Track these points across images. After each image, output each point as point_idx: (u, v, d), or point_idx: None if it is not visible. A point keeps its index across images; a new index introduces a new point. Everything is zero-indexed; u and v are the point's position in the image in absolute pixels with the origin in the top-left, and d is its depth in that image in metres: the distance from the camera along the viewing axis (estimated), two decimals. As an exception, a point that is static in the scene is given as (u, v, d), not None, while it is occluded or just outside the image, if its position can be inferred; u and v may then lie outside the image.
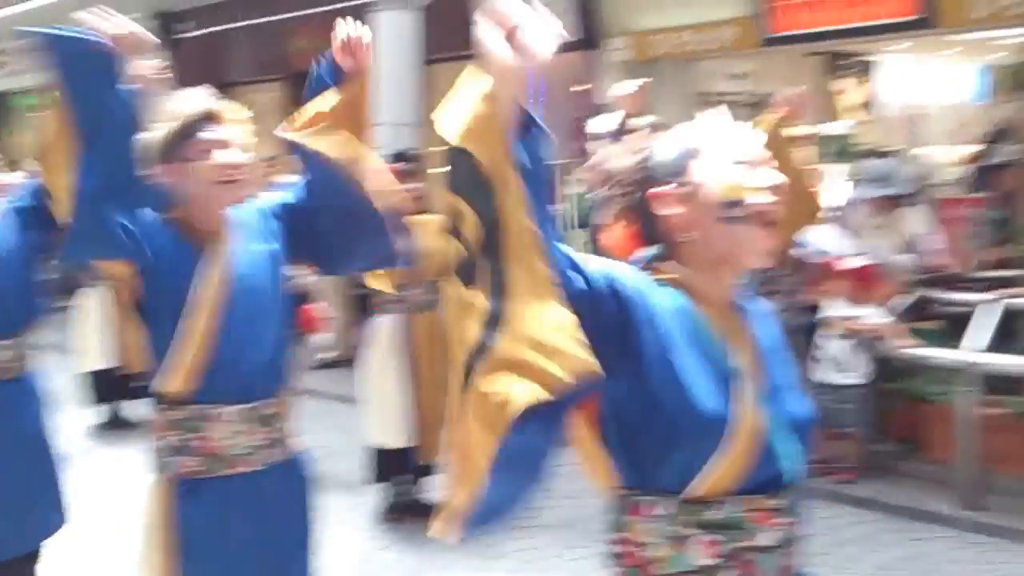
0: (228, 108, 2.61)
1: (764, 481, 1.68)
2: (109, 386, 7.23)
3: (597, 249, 4.12)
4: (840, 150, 11.16)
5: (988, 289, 5.91)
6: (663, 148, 1.81)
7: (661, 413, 1.65)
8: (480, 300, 1.55)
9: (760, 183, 1.70)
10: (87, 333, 7.33)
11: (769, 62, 12.51)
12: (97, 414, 7.52)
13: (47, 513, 3.63)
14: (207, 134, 2.50)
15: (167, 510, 2.49)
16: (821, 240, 5.95)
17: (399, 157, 7.67)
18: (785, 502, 1.71)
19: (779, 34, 9.30)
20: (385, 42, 9.87)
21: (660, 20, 10.31)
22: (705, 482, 1.64)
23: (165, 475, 2.52)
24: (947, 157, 12.76)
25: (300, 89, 12.38)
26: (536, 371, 1.49)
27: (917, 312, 6.36)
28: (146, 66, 3.28)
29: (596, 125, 4.21)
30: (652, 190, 1.77)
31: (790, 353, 1.85)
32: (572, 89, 11.68)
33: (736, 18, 9.68)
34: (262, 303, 2.54)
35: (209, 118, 2.53)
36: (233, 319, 2.47)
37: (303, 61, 14.61)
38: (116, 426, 7.47)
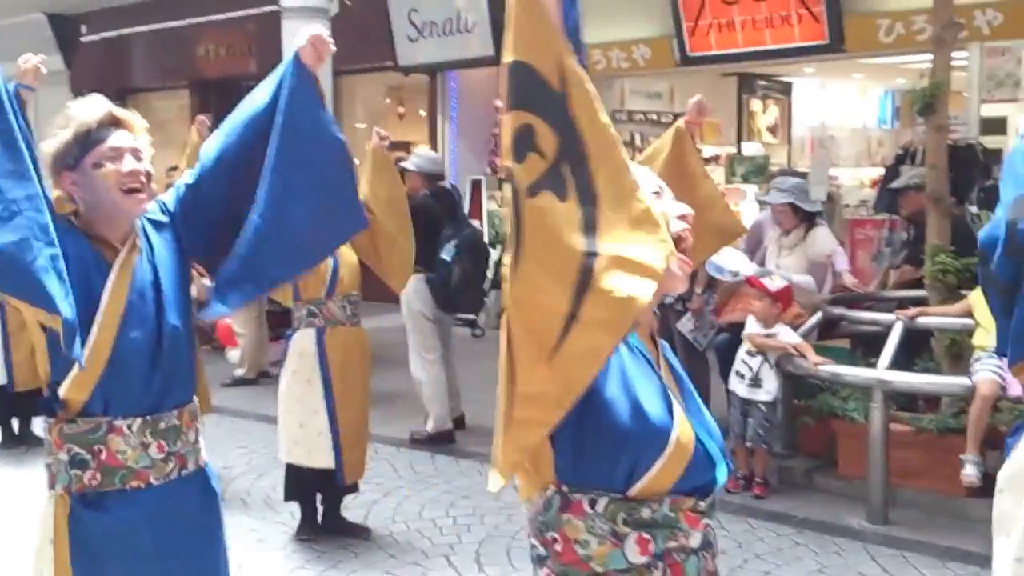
0: (130, 115, 2.51)
1: (697, 486, 1.78)
2: (5, 403, 7.04)
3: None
4: (753, 170, 11.37)
5: (895, 308, 6.05)
6: None
7: (615, 420, 1.72)
8: (573, 210, 1.58)
9: (672, 211, 1.78)
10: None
11: (686, 81, 12.72)
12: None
13: None
14: (111, 141, 2.41)
15: (63, 525, 2.38)
16: (730, 260, 6.04)
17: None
18: (710, 506, 1.82)
19: (695, 54, 9.44)
20: (294, 50, 9.75)
21: (577, 38, 10.39)
22: (646, 483, 1.73)
23: (61, 489, 2.41)
24: (854, 179, 13.12)
25: (206, 96, 12.24)
26: (640, 266, 1.56)
27: (825, 330, 6.49)
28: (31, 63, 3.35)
29: None
30: None
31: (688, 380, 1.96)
32: (490, 104, 11.73)
33: (653, 37, 9.81)
34: (166, 316, 2.46)
35: (113, 124, 2.44)
36: (134, 330, 2.39)
37: (209, 68, 14.52)
38: (13, 443, 7.22)
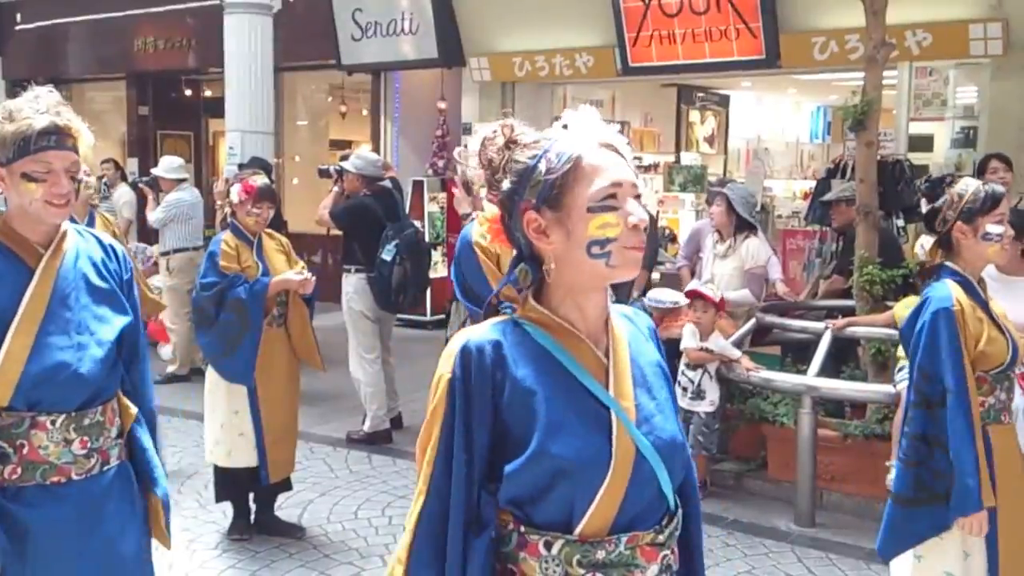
0: (77, 127, 2.46)
1: (645, 510, 1.71)
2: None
3: (458, 267, 4.20)
4: (690, 179, 11.55)
5: (824, 317, 6.22)
6: (543, 160, 1.72)
7: (549, 460, 1.65)
8: None
9: (628, 219, 1.69)
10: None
11: (627, 91, 12.88)
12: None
13: None
14: (48, 156, 2.38)
15: None
16: (666, 294, 6.21)
17: (252, 164, 7.60)
18: (666, 534, 1.74)
19: (636, 64, 9.57)
20: (236, 46, 9.68)
21: (520, 44, 10.47)
22: (591, 519, 1.67)
23: None
24: (787, 191, 13.40)
25: (143, 88, 12.08)
26: None
27: (758, 337, 6.64)
28: None
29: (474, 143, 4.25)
30: (526, 212, 1.72)
31: (661, 375, 1.84)
32: (432, 106, 11.76)
33: (595, 47, 9.92)
34: (85, 316, 2.49)
35: (56, 133, 2.40)
36: (54, 334, 2.42)
37: (147, 60, 14.30)
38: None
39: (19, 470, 2.39)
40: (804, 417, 5.44)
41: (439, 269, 10.31)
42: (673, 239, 10.17)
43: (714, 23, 8.99)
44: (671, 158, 13.19)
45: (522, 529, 1.70)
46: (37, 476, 2.40)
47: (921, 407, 3.22)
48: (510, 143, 1.75)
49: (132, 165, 13.78)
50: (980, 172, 6.47)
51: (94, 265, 2.55)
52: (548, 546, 1.68)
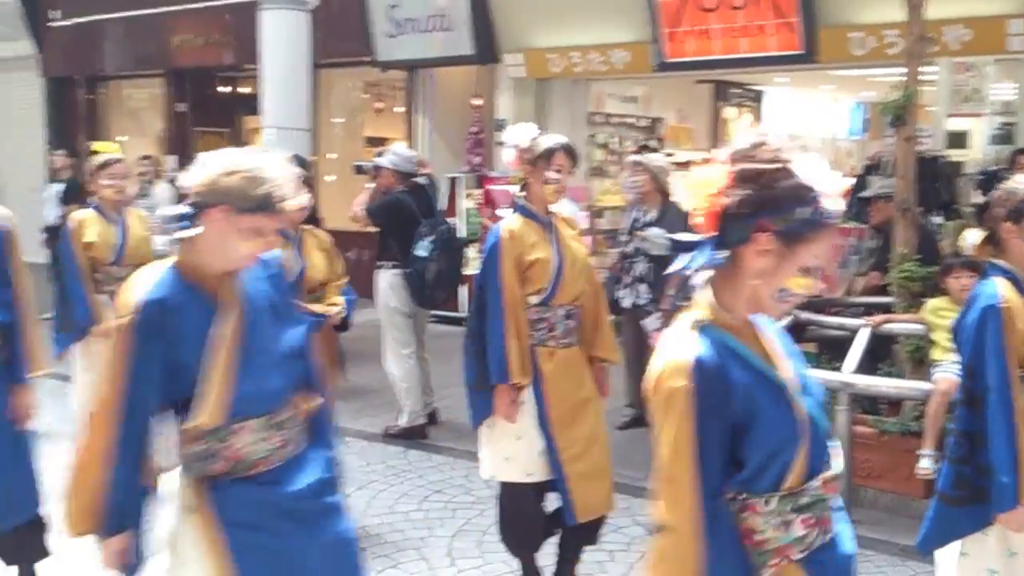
0: (292, 203, 2.67)
1: (823, 458, 2.11)
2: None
3: (482, 256, 4.22)
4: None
5: (863, 314, 6.18)
6: (804, 205, 1.95)
7: (766, 445, 2.02)
8: None
9: (812, 289, 2.04)
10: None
11: (662, 87, 12.84)
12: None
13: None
14: (264, 221, 2.58)
15: (202, 501, 2.68)
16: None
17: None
18: (836, 471, 2.15)
19: (672, 60, 9.55)
20: (273, 43, 9.72)
21: (555, 39, 10.47)
22: (793, 475, 2.05)
23: (193, 477, 2.70)
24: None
25: (180, 85, 12.15)
26: None
27: (794, 334, 6.61)
28: None
29: (509, 136, 4.28)
30: (762, 235, 1.96)
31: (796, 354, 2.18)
32: (466, 103, 11.78)
33: (631, 42, 9.90)
34: (269, 331, 2.73)
35: (272, 206, 2.59)
36: (248, 352, 2.65)
37: (184, 56, 14.34)
38: None
39: (226, 467, 2.68)
40: (840, 414, 5.42)
41: (474, 266, 10.32)
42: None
43: (752, 18, 8.95)
44: (706, 155, 13.14)
45: (742, 497, 2.05)
46: (241, 470, 2.69)
47: (967, 404, 3.21)
48: (778, 162, 1.97)
49: (170, 162, 13.83)
50: (1011, 166, 6.40)
51: (262, 280, 2.76)
52: (767, 503, 2.05)
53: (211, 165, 2.57)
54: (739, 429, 1.99)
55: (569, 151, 4.10)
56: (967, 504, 3.17)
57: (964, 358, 3.23)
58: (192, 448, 2.68)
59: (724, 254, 1.99)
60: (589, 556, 4.50)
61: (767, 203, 1.94)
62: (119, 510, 2.62)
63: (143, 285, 2.59)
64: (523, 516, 4.26)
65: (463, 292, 9.67)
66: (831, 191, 1.97)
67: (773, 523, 2.06)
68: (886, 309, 6.05)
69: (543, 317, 4.09)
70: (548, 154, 4.05)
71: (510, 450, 4.11)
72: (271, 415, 2.72)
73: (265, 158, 2.62)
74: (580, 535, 4.27)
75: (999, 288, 3.16)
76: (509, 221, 4.12)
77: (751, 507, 2.05)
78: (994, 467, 3.08)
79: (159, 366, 2.58)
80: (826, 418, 2.15)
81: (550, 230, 4.13)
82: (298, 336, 2.83)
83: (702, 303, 2.04)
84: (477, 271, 4.19)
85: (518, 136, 4.17)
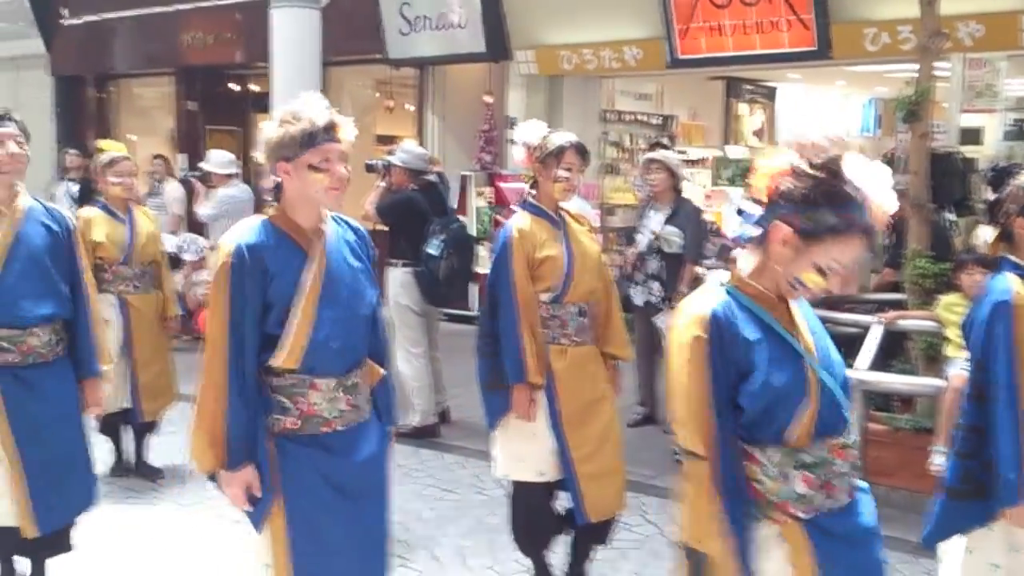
0: (344, 123, 2.85)
1: (834, 424, 2.28)
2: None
3: (493, 255, 4.21)
4: (738, 173, 11.45)
5: (876, 311, 6.15)
6: (827, 212, 2.17)
7: (763, 394, 2.23)
8: None
9: (826, 287, 2.23)
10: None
11: (674, 84, 12.80)
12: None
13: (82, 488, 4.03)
14: (327, 148, 2.78)
15: (273, 456, 2.87)
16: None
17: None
18: (850, 439, 2.32)
19: (685, 56, 9.52)
20: (283, 41, 9.71)
21: (567, 36, 10.44)
22: (797, 432, 2.24)
23: (271, 429, 2.89)
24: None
25: (191, 83, 12.19)
26: None
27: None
28: None
29: (520, 134, 4.28)
30: (782, 229, 2.21)
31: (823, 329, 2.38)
32: (478, 100, 11.76)
33: (643, 39, 9.87)
34: (354, 294, 2.94)
35: (329, 129, 2.80)
36: (328, 308, 2.85)
37: (194, 55, 14.33)
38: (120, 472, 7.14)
39: (299, 422, 2.88)
40: (853, 411, 5.38)
41: (485, 264, 10.31)
42: (719, 233, 10.09)
43: (765, 15, 8.91)
44: (718, 152, 13.10)
45: (742, 444, 2.26)
46: (311, 427, 2.88)
47: (974, 399, 3.20)
48: (831, 169, 2.18)
49: (181, 161, 13.84)
50: (1025, 162, 6.35)
51: (349, 245, 2.98)
52: (766, 453, 2.26)
53: (264, 134, 2.82)
54: (743, 377, 2.23)
55: (580, 149, 4.09)
56: (973, 499, 3.17)
57: (973, 352, 3.21)
58: (271, 396, 2.87)
59: (756, 232, 2.25)
60: (601, 554, 4.48)
61: (795, 199, 2.18)
62: (240, 444, 2.80)
63: (237, 233, 2.83)
64: (534, 515, 4.25)
65: (474, 290, 9.68)
66: (875, 200, 2.18)
67: (772, 474, 2.25)
68: (899, 306, 6.02)
69: (555, 315, 4.07)
70: (558, 152, 4.04)
71: (523, 450, 4.10)
72: (343, 375, 2.91)
73: (299, 102, 2.81)
74: (591, 535, 4.25)
75: (1011, 283, 3.15)
76: (519, 219, 4.11)
77: (751, 456, 2.27)
78: (1000, 462, 3.08)
79: (259, 303, 2.80)
80: (847, 395, 2.32)
81: (560, 227, 4.12)
82: (372, 303, 3.01)
83: (735, 271, 2.32)
84: (489, 270, 4.17)
85: (528, 134, 4.17)
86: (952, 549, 3.32)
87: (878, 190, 2.18)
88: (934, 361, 5.75)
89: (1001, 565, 3.20)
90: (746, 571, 2.24)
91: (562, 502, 4.27)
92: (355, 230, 3.05)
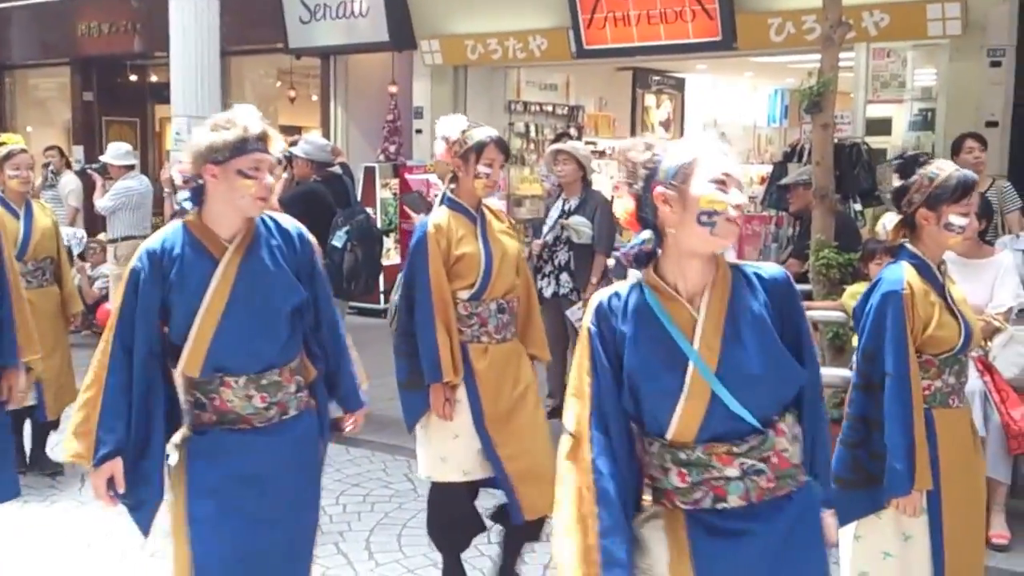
0: (274, 133, 2.92)
1: (724, 432, 2.23)
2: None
3: (408, 251, 4.08)
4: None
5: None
6: (670, 157, 2.27)
7: (639, 387, 2.26)
8: None
9: (730, 200, 2.20)
10: None
11: (582, 74, 12.78)
12: None
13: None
14: (257, 156, 2.84)
15: (184, 456, 2.96)
16: None
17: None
18: (746, 447, 2.23)
19: (591, 47, 9.47)
20: (181, 30, 9.46)
21: (472, 26, 10.33)
22: (675, 431, 2.24)
23: (186, 427, 3.00)
24: (744, 175, 13.32)
25: (87, 74, 11.85)
26: None
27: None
28: None
29: (440, 128, 4.15)
30: (656, 189, 2.25)
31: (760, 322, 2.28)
32: (382, 91, 11.60)
33: (549, 29, 9.81)
34: (262, 300, 2.94)
35: (261, 139, 2.87)
36: (237, 314, 2.89)
37: (91, 45, 13.96)
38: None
39: (214, 417, 2.95)
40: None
41: (392, 256, 10.15)
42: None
43: (669, 4, 8.91)
44: (626, 143, 13.10)
45: (636, 430, 2.32)
46: (227, 422, 2.95)
47: (862, 389, 3.26)
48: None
49: (77, 152, 13.53)
50: (954, 152, 6.41)
51: (271, 252, 2.98)
52: (649, 444, 2.30)
53: (193, 138, 2.88)
54: (623, 367, 2.28)
55: (500, 144, 4.01)
56: (861, 488, 3.22)
57: (862, 342, 3.27)
58: (185, 396, 2.97)
59: (648, 235, 2.28)
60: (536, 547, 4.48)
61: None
62: (108, 436, 2.83)
63: (153, 238, 2.92)
64: (454, 515, 4.16)
65: (382, 283, 9.52)
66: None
67: (654, 464, 2.30)
68: (805, 297, 6.02)
69: (474, 312, 3.98)
70: (479, 147, 3.94)
71: (447, 449, 4.01)
72: (257, 375, 2.94)
73: (234, 110, 2.90)
74: (524, 532, 4.17)
75: (903, 273, 3.20)
76: (436, 214, 4.00)
77: (640, 441, 2.32)
78: (889, 453, 3.14)
79: (155, 309, 2.86)
80: (753, 403, 2.23)
81: (479, 224, 4.02)
82: (293, 304, 3.01)
83: (647, 271, 2.33)
84: (404, 265, 4.08)
85: (448, 128, 4.04)
86: (841, 538, 3.31)
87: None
88: (841, 352, 5.78)
89: (893, 553, 3.27)
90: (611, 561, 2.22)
91: (492, 500, 4.21)
92: (283, 231, 3.05)
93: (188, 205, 2.94)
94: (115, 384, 2.84)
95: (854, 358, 5.27)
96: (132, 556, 4.74)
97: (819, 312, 5.77)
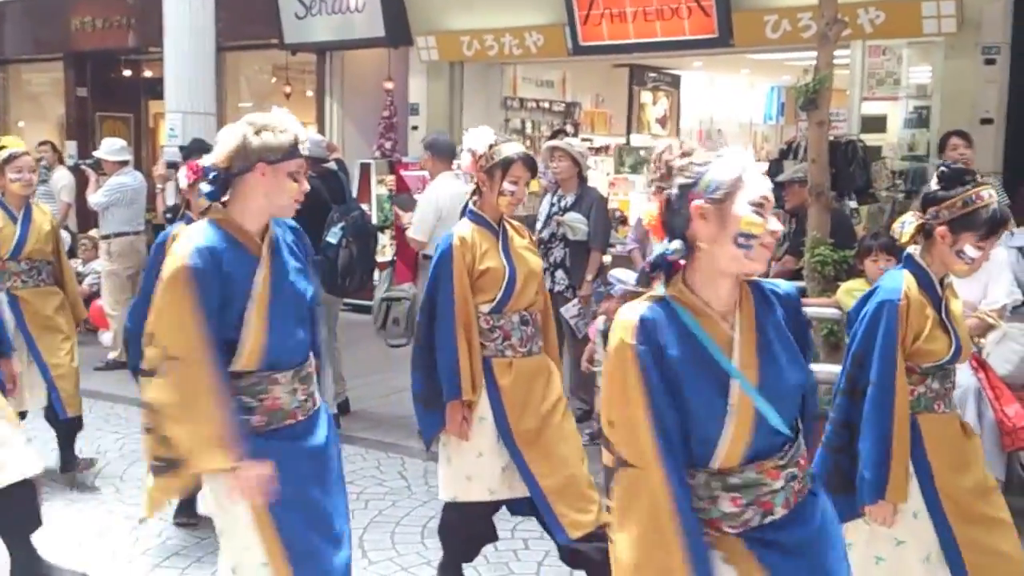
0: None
1: (768, 449, 2.24)
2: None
3: (432, 263, 3.99)
4: (641, 161, 11.46)
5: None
6: (714, 171, 2.22)
7: (689, 410, 2.20)
8: None
9: (769, 226, 2.19)
10: None
11: (577, 71, 12.76)
12: None
13: None
14: (301, 161, 2.98)
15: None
16: (627, 275, 6.05)
17: (194, 146, 7.37)
18: (787, 457, 2.27)
19: (587, 43, 9.45)
20: (176, 25, 9.44)
21: (468, 22, 10.31)
22: (723, 456, 2.22)
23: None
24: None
25: (81, 69, 11.84)
26: None
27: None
28: None
29: (467, 140, 4.07)
30: (695, 202, 2.21)
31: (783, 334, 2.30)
32: (378, 87, 11.57)
33: (545, 25, 9.78)
34: (294, 289, 3.06)
35: (299, 144, 2.99)
36: (280, 305, 3.00)
37: (84, 40, 13.96)
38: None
39: (265, 418, 3.00)
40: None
41: (386, 252, 10.13)
42: (623, 221, 10.08)
43: (666, 1, 8.90)
44: (622, 140, 13.10)
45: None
46: (276, 421, 3.02)
47: (847, 394, 3.24)
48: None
49: (71, 148, 13.46)
50: (940, 149, 6.41)
51: (288, 246, 3.11)
52: (691, 476, 2.23)
53: (231, 136, 2.94)
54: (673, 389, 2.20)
55: (528, 162, 3.93)
56: (842, 492, 3.17)
57: (853, 347, 3.24)
58: (235, 399, 2.93)
59: (678, 246, 2.25)
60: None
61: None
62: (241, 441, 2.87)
63: (190, 237, 2.90)
64: (473, 533, 4.09)
65: (377, 279, 9.50)
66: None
67: (700, 494, 2.24)
68: (800, 293, 6.02)
69: (496, 325, 3.90)
70: (506, 164, 3.87)
71: (472, 468, 3.91)
72: (298, 368, 3.07)
73: (274, 113, 3.01)
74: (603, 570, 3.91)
75: (903, 283, 3.18)
76: (461, 227, 3.94)
77: (688, 473, 2.24)
78: (860, 460, 3.14)
79: (215, 307, 2.87)
80: (788, 412, 2.26)
81: (500, 238, 3.97)
82: (312, 298, 3.17)
83: (673, 283, 2.29)
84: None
85: (475, 141, 3.96)
86: None
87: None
88: (836, 348, 5.76)
89: (886, 557, 3.25)
90: None
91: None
92: (293, 229, 3.18)
93: (207, 199, 3.00)
94: (227, 389, 2.87)
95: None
96: (123, 555, 4.74)
97: (814, 309, 5.76)
